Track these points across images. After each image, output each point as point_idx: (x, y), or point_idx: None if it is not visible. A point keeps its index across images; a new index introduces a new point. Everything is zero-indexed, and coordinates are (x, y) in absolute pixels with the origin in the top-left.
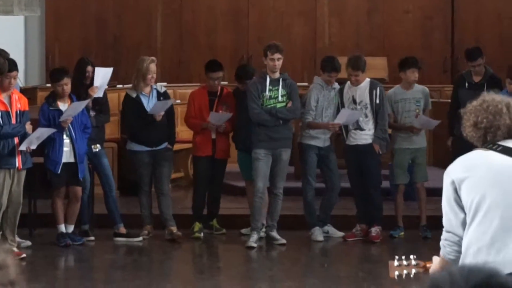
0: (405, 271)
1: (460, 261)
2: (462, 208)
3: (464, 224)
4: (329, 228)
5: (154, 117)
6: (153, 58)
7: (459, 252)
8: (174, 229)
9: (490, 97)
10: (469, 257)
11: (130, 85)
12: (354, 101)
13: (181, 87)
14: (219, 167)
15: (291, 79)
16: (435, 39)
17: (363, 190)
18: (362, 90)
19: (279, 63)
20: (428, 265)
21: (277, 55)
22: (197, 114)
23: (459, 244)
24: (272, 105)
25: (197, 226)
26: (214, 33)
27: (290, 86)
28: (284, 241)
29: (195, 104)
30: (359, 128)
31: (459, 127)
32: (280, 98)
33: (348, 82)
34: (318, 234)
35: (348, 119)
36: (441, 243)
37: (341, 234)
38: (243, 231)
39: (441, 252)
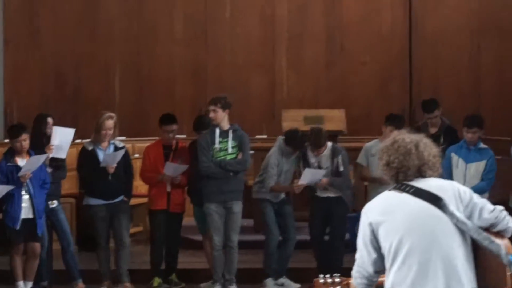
0: None
1: None
2: (375, 249)
3: (375, 263)
4: (285, 280)
5: (108, 170)
6: (112, 114)
7: (368, 285)
8: (128, 285)
9: (401, 137)
10: None
11: (89, 140)
12: (320, 167)
13: (140, 141)
14: (175, 221)
15: (241, 131)
16: (393, 90)
17: (327, 241)
18: (325, 157)
19: (214, 115)
20: (350, 282)
21: (211, 107)
22: (152, 168)
23: (368, 278)
24: (222, 157)
25: (156, 281)
26: (173, 85)
27: (240, 138)
28: None
29: (151, 158)
30: (325, 188)
31: None
32: (230, 150)
33: (309, 152)
34: (270, 285)
35: (312, 178)
36: (353, 274)
37: (297, 285)
38: (203, 285)
39: (353, 281)
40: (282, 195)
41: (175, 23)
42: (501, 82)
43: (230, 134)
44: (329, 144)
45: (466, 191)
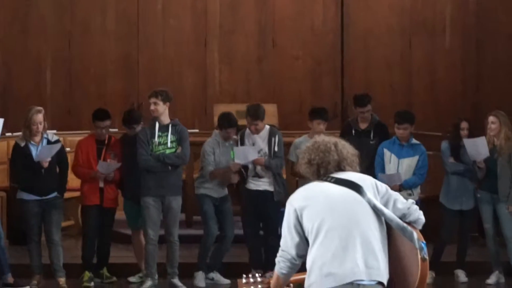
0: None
1: (308, 275)
2: (299, 233)
3: (297, 246)
4: (215, 275)
5: (41, 164)
6: (40, 108)
7: (291, 268)
8: (62, 280)
9: (320, 138)
10: (315, 271)
11: (19, 133)
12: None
13: (71, 135)
14: (108, 216)
15: (181, 125)
16: (324, 85)
17: (260, 236)
18: (262, 138)
19: (154, 108)
20: (271, 282)
21: (152, 100)
22: (85, 163)
23: (291, 261)
24: (161, 151)
25: (87, 275)
26: (104, 80)
27: (180, 132)
28: None
29: (83, 152)
30: (257, 176)
31: None
32: (169, 144)
33: (248, 131)
34: (200, 279)
35: (246, 156)
36: (277, 259)
37: (227, 281)
38: (131, 279)
39: (276, 267)
40: (224, 192)
41: (107, 17)
42: (432, 78)
43: (170, 129)
44: (267, 126)
45: (382, 184)
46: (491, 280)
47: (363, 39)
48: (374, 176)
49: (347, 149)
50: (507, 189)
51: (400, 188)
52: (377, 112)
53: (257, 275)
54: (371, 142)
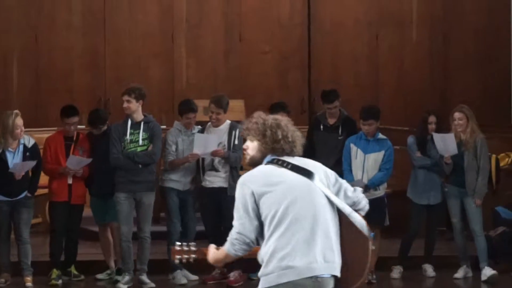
0: (185, 256)
1: (265, 263)
2: (257, 216)
3: (256, 230)
4: (184, 272)
5: (14, 176)
6: (17, 111)
7: (247, 250)
8: (28, 279)
9: (266, 116)
10: (273, 262)
11: None
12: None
13: (38, 131)
14: (76, 213)
15: (155, 122)
16: (292, 80)
17: (220, 233)
18: (222, 131)
19: (127, 105)
20: (205, 251)
21: (125, 97)
22: (53, 160)
23: (248, 244)
24: (133, 149)
25: (55, 273)
26: (71, 75)
27: (152, 129)
28: (153, 285)
29: (51, 149)
30: (214, 169)
31: None
32: (141, 142)
33: (209, 123)
34: (180, 277)
35: (205, 146)
36: (231, 240)
37: (195, 277)
38: (99, 276)
39: (228, 247)
40: (188, 186)
41: (73, 11)
42: (399, 72)
43: (142, 126)
44: (228, 121)
45: (332, 172)
46: (459, 274)
47: (330, 32)
48: (342, 171)
49: (293, 129)
50: (474, 183)
51: (366, 189)
52: (345, 106)
53: (191, 243)
54: (339, 138)
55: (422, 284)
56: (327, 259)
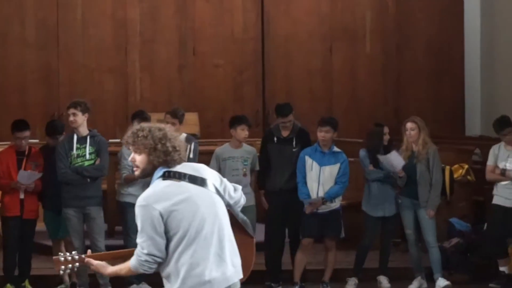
0: (69, 265)
1: (181, 280)
2: (164, 236)
3: (164, 249)
4: (144, 285)
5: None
6: None
7: (155, 268)
8: None
9: (148, 125)
10: (192, 278)
11: None
12: None
13: None
14: (28, 227)
15: (100, 136)
16: (246, 93)
17: None
18: None
19: (74, 118)
20: (86, 260)
21: (70, 111)
22: (5, 174)
23: (159, 263)
24: (80, 164)
25: (9, 287)
26: (24, 91)
27: (98, 143)
28: None
29: (3, 164)
30: None
31: (271, 183)
32: (88, 156)
33: None
34: None
35: None
36: (139, 261)
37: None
38: None
39: (136, 266)
40: None
41: (26, 27)
42: (352, 84)
43: (88, 140)
44: (184, 134)
45: (217, 173)
46: (414, 285)
47: (284, 46)
48: (296, 184)
49: (176, 137)
50: (426, 195)
51: (324, 202)
52: (299, 118)
53: (73, 252)
54: (293, 150)
55: None
56: (235, 264)
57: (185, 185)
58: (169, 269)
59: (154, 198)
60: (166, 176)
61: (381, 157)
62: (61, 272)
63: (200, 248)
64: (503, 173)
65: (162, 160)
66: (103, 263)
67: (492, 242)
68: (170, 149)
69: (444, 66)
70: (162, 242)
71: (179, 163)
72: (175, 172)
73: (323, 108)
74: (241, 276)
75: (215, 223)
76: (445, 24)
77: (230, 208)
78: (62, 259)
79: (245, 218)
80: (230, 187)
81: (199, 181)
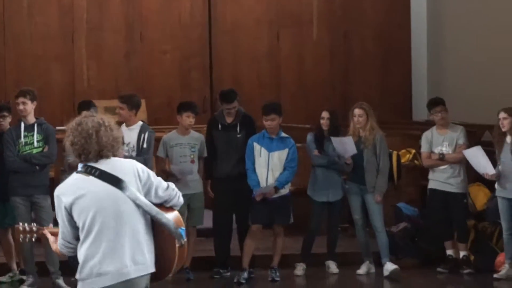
0: (28, 235)
1: (80, 269)
2: (73, 225)
3: (75, 235)
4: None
5: None
6: None
7: (74, 251)
8: None
9: (85, 120)
10: (86, 269)
11: None
12: (123, 143)
13: None
14: None
15: (47, 124)
16: (193, 80)
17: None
18: (133, 132)
19: (23, 107)
20: (45, 231)
21: (20, 99)
22: None
23: (73, 247)
24: (28, 151)
25: None
26: None
27: (46, 131)
28: None
29: None
30: None
31: (218, 170)
32: (36, 144)
33: (124, 124)
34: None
35: None
36: (59, 244)
37: None
38: (1, 279)
39: (60, 248)
40: None
41: None
42: (300, 70)
43: (36, 128)
44: (140, 122)
45: (144, 170)
46: (362, 270)
47: (231, 32)
48: (245, 170)
49: (109, 135)
50: (373, 180)
51: (276, 190)
52: (246, 105)
53: (33, 224)
54: (238, 136)
55: (326, 281)
56: (137, 261)
57: (91, 180)
58: (78, 255)
59: (62, 190)
60: (82, 169)
61: (335, 139)
62: (21, 240)
63: (94, 242)
64: (442, 157)
65: (77, 154)
66: (54, 239)
67: (436, 226)
68: (92, 145)
69: (391, 53)
70: (72, 230)
71: (106, 157)
72: (88, 166)
73: (271, 94)
74: (147, 272)
75: (116, 220)
76: (392, 10)
77: (148, 208)
78: (22, 228)
79: (164, 220)
80: (159, 186)
81: (109, 179)
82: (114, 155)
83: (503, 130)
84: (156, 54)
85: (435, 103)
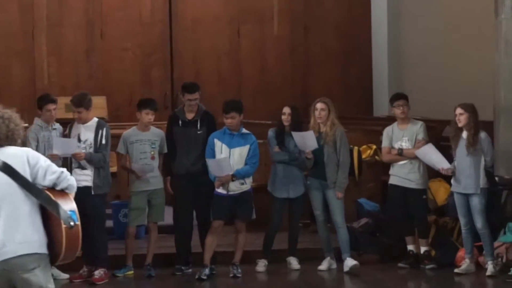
0: None
1: None
2: None
3: None
4: (54, 270)
5: None
6: None
7: None
8: None
9: None
10: None
11: None
12: (79, 140)
13: None
14: None
15: None
16: (154, 76)
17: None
18: (89, 129)
19: None
20: None
21: None
22: None
23: None
24: None
25: None
26: None
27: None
28: None
29: None
30: (80, 166)
31: (178, 166)
32: None
33: (75, 121)
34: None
35: (64, 148)
36: None
37: (66, 276)
38: None
39: None
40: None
41: None
42: (261, 66)
43: None
44: (95, 118)
45: (34, 156)
46: (323, 266)
47: (191, 29)
48: (205, 167)
49: (6, 126)
50: (334, 176)
51: (233, 178)
52: (208, 101)
53: None
54: (198, 132)
55: (287, 277)
56: (19, 241)
57: None
58: None
59: None
60: None
61: (296, 133)
62: None
63: None
64: (400, 153)
65: None
66: None
67: (396, 221)
68: None
69: (352, 48)
70: None
71: (1, 146)
72: None
73: (232, 91)
74: (25, 251)
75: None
76: (352, 5)
77: (35, 192)
78: None
79: (51, 203)
80: (49, 170)
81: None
82: (12, 144)
83: (459, 125)
84: (117, 51)
85: (397, 96)
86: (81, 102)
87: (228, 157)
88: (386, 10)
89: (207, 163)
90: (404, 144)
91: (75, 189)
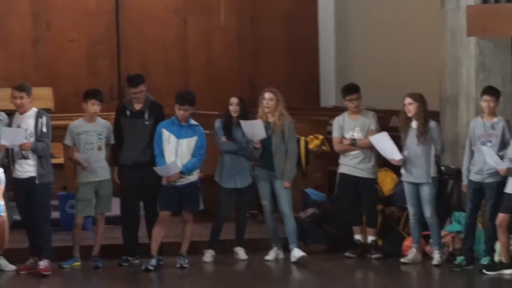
0: None
1: None
2: None
3: None
4: (1, 260)
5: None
6: None
7: None
8: None
9: None
10: None
11: None
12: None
13: None
14: None
15: None
16: (101, 67)
17: (32, 222)
18: (28, 118)
19: None
20: None
21: None
22: None
23: None
24: None
25: None
26: None
27: None
28: None
29: None
30: (24, 157)
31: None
32: None
33: (16, 112)
34: (5, 264)
35: (14, 139)
36: None
37: (13, 267)
38: None
39: None
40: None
41: None
42: (208, 57)
43: None
44: (35, 108)
45: None
46: (270, 256)
47: (138, 19)
48: (153, 155)
49: None
50: (282, 166)
51: (182, 175)
52: (155, 92)
53: None
54: (146, 122)
55: (234, 267)
56: None
57: None
58: None
59: None
60: None
61: (244, 122)
62: None
63: None
64: (353, 143)
65: None
66: None
67: (346, 210)
68: None
69: (299, 38)
70: None
71: None
72: None
73: (179, 81)
74: None
75: None
76: None
77: None
78: None
79: None
80: None
81: None
82: None
83: (409, 115)
84: (63, 42)
85: (351, 90)
86: (23, 87)
87: (176, 147)
88: (333, 0)
89: (155, 170)
90: (356, 134)
91: (3, 183)
